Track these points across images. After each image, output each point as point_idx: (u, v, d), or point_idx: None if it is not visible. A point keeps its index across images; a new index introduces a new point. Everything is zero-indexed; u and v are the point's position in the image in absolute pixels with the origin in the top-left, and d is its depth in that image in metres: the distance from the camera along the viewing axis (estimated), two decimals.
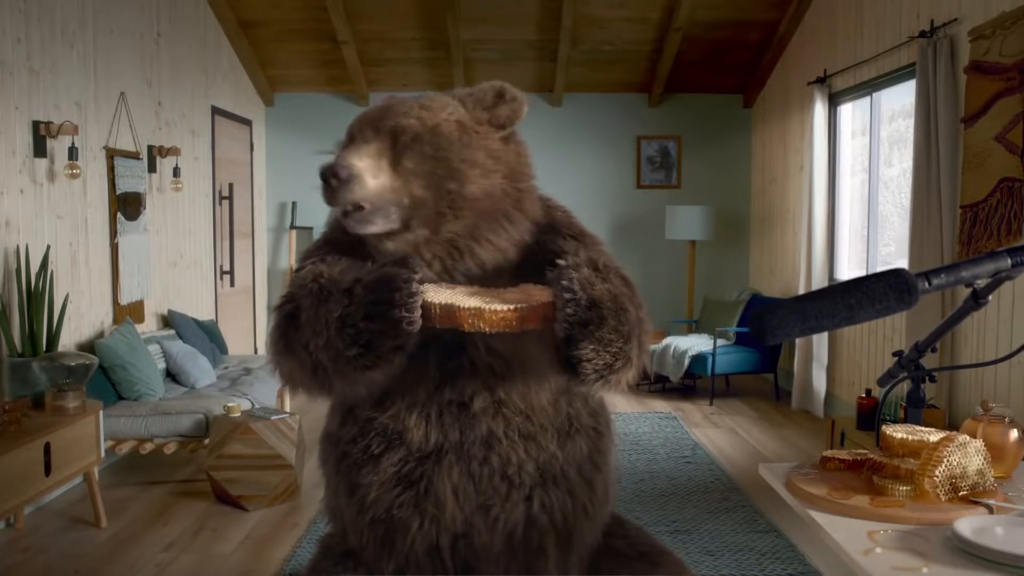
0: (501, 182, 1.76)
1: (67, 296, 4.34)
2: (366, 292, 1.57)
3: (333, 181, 1.64)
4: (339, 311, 1.58)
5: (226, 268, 6.81)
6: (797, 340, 6.04)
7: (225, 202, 6.79)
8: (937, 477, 1.56)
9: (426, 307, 1.55)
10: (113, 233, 4.92)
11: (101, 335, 4.70)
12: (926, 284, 1.45)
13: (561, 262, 1.60)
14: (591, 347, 1.55)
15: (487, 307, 1.52)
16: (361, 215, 1.68)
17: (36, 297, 3.97)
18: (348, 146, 1.73)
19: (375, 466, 1.76)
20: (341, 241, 1.81)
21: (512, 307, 1.53)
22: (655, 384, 6.91)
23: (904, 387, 1.72)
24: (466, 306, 1.53)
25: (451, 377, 1.73)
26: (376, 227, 1.69)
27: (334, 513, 1.94)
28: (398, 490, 1.74)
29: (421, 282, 1.58)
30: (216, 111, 6.60)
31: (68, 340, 4.41)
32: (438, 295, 1.58)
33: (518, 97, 1.80)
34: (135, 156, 5.17)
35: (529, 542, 1.75)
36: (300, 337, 1.64)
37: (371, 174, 1.68)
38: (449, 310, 1.53)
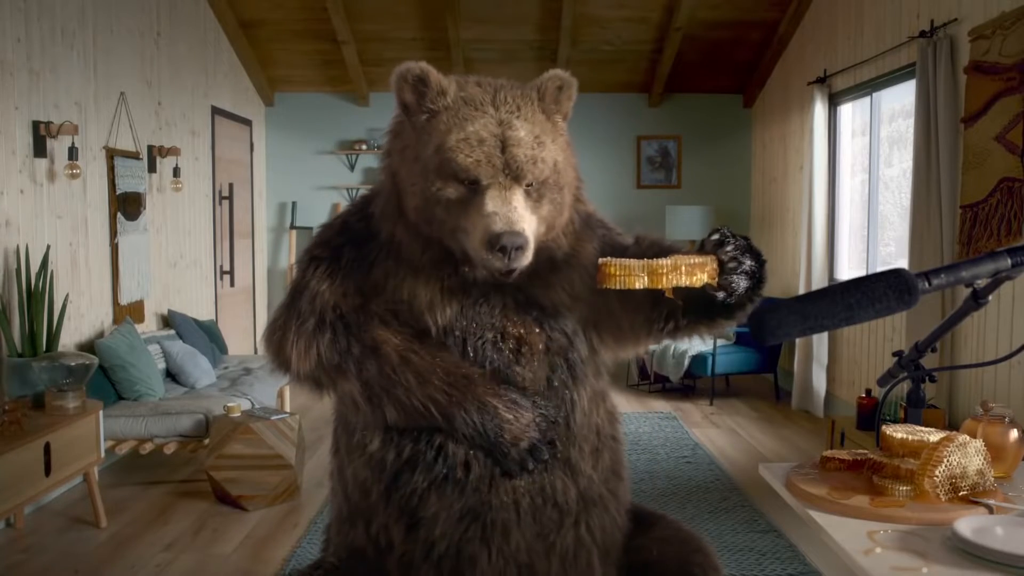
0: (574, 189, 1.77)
1: (67, 296, 4.34)
2: (511, 446, 1.65)
3: (516, 252, 1.56)
4: (476, 416, 1.64)
5: (226, 268, 6.81)
6: (797, 340, 6.04)
7: (225, 202, 6.79)
8: (937, 477, 1.56)
9: (629, 267, 1.50)
10: (113, 233, 4.92)
11: (101, 335, 4.70)
12: (926, 284, 1.45)
13: (715, 236, 1.66)
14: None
15: (683, 263, 1.54)
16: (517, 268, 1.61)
17: (36, 297, 3.97)
18: (485, 194, 1.59)
19: (440, 496, 1.66)
20: (358, 234, 1.78)
21: (699, 260, 1.57)
22: (655, 384, 6.90)
23: (904, 387, 1.72)
24: (665, 262, 1.52)
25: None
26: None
27: (379, 550, 1.77)
28: (466, 522, 1.66)
29: None
30: (216, 111, 6.60)
31: (68, 340, 4.40)
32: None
33: (574, 83, 1.75)
34: (135, 156, 5.17)
35: (579, 562, 1.76)
36: (396, 380, 1.64)
37: (531, 229, 1.61)
38: (652, 267, 1.51)
